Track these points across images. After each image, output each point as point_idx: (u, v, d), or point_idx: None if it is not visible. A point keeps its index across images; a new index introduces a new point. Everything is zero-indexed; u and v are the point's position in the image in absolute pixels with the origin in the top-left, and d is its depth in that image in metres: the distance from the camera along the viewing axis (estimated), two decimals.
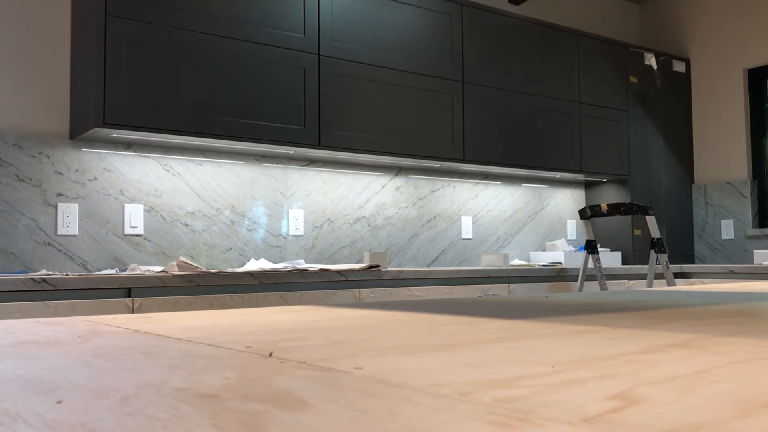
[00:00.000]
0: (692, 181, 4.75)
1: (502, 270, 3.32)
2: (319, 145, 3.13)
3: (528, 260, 4.22)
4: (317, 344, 0.63)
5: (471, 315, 0.91)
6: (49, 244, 2.78)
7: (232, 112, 2.89)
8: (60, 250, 2.80)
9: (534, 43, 3.95)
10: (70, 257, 2.81)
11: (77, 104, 2.79)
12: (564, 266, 3.67)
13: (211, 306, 2.49)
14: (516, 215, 4.24)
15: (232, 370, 0.48)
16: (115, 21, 2.63)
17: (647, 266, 3.83)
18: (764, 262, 3.98)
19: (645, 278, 3.91)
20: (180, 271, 2.46)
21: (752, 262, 4.31)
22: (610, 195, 4.46)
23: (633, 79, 4.42)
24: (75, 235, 2.83)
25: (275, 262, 3.29)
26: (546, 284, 3.51)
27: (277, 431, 0.31)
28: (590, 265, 3.62)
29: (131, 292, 2.35)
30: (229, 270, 2.67)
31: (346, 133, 3.21)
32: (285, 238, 3.36)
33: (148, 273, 2.42)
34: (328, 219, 3.50)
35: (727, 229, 4.56)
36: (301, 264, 2.96)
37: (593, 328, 0.75)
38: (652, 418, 0.33)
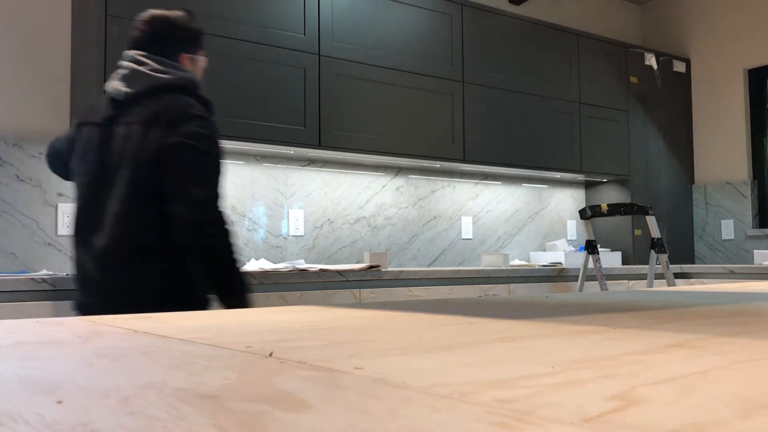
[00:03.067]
0: (692, 181, 4.75)
1: (502, 270, 3.32)
2: (319, 145, 3.13)
3: (528, 260, 4.22)
4: (317, 344, 0.63)
5: (471, 315, 0.91)
6: (49, 244, 2.78)
7: (232, 112, 2.89)
8: (60, 251, 2.80)
9: (534, 43, 3.94)
10: (70, 257, 2.81)
11: (77, 104, 2.79)
12: (564, 266, 3.67)
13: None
14: (516, 215, 4.24)
15: (233, 371, 0.48)
16: (115, 21, 2.63)
17: (647, 266, 3.83)
18: (764, 262, 3.98)
19: (645, 278, 3.91)
20: None
21: (752, 262, 4.31)
22: (610, 195, 4.45)
23: (633, 79, 4.42)
24: None
25: (275, 263, 3.29)
26: (546, 284, 3.51)
27: (278, 431, 0.31)
28: (590, 265, 3.62)
29: None
30: None
31: (346, 133, 3.21)
32: (285, 238, 3.36)
33: None
34: (329, 219, 3.50)
35: (727, 230, 4.56)
36: (301, 264, 2.96)
37: (593, 328, 0.75)
38: (652, 419, 0.33)
